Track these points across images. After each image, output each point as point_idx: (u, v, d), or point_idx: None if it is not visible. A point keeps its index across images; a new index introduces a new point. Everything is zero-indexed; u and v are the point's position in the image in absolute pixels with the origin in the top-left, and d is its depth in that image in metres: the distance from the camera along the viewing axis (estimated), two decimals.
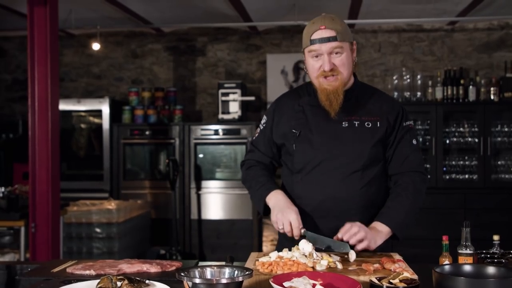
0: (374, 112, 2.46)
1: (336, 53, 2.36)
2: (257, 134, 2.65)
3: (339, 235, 2.27)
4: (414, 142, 2.50)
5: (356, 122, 2.43)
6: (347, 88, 2.47)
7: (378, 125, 2.44)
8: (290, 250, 2.16)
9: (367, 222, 2.38)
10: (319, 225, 2.41)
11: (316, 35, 2.35)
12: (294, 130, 2.46)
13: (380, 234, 2.36)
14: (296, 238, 2.31)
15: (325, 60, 2.35)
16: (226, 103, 6.86)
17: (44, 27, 4.62)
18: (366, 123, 2.43)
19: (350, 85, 2.49)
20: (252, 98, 6.93)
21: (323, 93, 2.39)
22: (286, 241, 2.46)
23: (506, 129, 6.61)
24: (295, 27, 7.06)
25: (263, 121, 2.63)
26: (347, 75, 2.42)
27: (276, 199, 2.43)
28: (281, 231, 2.37)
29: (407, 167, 2.47)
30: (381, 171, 2.48)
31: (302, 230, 2.31)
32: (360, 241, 2.28)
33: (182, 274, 1.71)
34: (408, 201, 2.43)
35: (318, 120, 2.45)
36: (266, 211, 2.49)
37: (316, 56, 2.38)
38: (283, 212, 2.35)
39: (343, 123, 2.43)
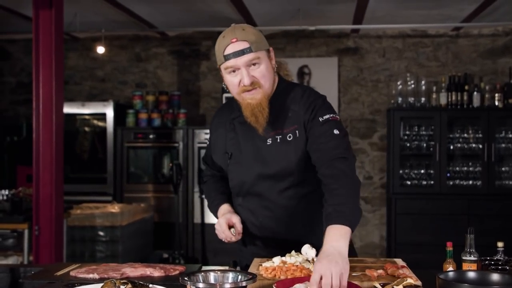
0: (292, 120, 2.28)
1: (254, 64, 2.21)
2: (206, 149, 2.63)
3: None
4: (336, 132, 2.20)
5: (278, 137, 2.28)
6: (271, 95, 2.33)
7: (297, 134, 2.26)
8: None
9: (313, 230, 2.33)
10: (269, 242, 2.38)
11: (229, 49, 2.20)
12: (227, 152, 2.39)
13: (340, 243, 1.89)
14: (233, 236, 2.33)
15: (244, 74, 2.20)
16: None
17: (49, 30, 4.63)
18: (288, 136, 2.27)
19: (273, 91, 2.33)
20: None
21: (248, 109, 2.24)
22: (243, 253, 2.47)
23: (510, 135, 6.60)
24: (299, 31, 7.07)
25: (208, 136, 2.57)
26: (269, 86, 2.27)
27: (219, 214, 2.44)
28: (227, 239, 2.36)
29: (329, 158, 2.15)
30: (316, 178, 2.21)
31: (232, 230, 2.32)
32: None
33: (185, 278, 1.71)
34: (344, 189, 2.05)
35: (247, 139, 2.33)
36: None
37: (234, 71, 2.23)
38: (218, 222, 2.38)
39: (268, 140, 2.29)
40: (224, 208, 2.44)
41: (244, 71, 2.20)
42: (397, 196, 6.62)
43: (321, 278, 1.74)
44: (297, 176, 2.29)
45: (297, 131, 2.27)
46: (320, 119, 2.23)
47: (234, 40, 2.20)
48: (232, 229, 2.33)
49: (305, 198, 2.33)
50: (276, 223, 2.34)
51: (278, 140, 2.28)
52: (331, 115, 2.25)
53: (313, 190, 2.31)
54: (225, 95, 6.84)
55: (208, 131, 6.75)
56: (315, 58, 7.34)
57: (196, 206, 6.81)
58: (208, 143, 2.58)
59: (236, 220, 2.34)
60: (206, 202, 6.89)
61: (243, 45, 2.19)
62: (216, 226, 2.38)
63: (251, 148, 2.32)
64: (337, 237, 1.90)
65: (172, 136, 6.91)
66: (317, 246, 2.07)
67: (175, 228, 6.63)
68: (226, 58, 2.22)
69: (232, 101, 2.43)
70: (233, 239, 2.34)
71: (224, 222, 2.33)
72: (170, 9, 6.20)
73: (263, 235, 2.38)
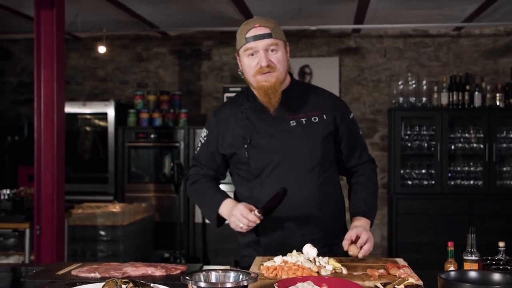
0: (318, 107, 2.48)
1: (272, 50, 2.38)
2: (198, 149, 2.63)
3: (358, 244, 2.31)
4: (360, 132, 2.62)
5: (303, 119, 2.44)
6: (285, 88, 2.47)
7: (325, 117, 2.46)
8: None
9: (326, 217, 2.45)
10: (283, 225, 2.42)
11: (251, 33, 2.37)
12: (244, 138, 2.44)
13: (369, 231, 2.43)
14: (257, 218, 2.31)
15: (262, 56, 2.36)
16: None
17: (50, 30, 4.64)
18: (313, 118, 2.45)
19: (287, 85, 2.49)
20: None
21: (261, 90, 2.40)
22: (252, 250, 2.50)
23: (511, 135, 6.60)
24: (300, 31, 7.07)
25: (203, 134, 2.59)
26: (283, 72, 2.43)
27: (226, 209, 2.45)
28: (244, 228, 2.35)
29: (363, 158, 2.59)
30: (334, 167, 2.54)
31: (256, 211, 2.32)
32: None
33: (187, 277, 1.71)
34: (375, 189, 2.57)
35: (265, 123, 2.44)
36: (220, 222, 2.52)
37: (252, 55, 2.39)
38: (232, 213, 2.36)
39: (291, 122, 2.44)
40: (230, 203, 2.45)
41: (262, 53, 2.36)
42: (398, 196, 6.62)
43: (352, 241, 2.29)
44: (320, 155, 2.43)
45: (324, 115, 2.46)
46: (349, 116, 2.54)
47: (257, 25, 2.39)
48: (253, 212, 2.32)
49: (323, 182, 2.45)
50: (294, 202, 2.39)
51: (304, 122, 2.44)
52: (352, 114, 2.60)
53: (330, 177, 2.49)
54: (226, 94, 6.85)
55: None
56: (316, 58, 7.34)
57: (197, 206, 6.80)
58: (201, 142, 2.60)
59: (252, 205, 2.35)
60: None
61: (264, 30, 2.38)
62: (235, 213, 2.34)
63: (272, 130, 2.43)
64: (366, 224, 2.45)
65: (173, 136, 6.92)
66: (323, 228, 2.45)
67: (176, 227, 6.63)
68: (247, 40, 2.38)
69: (235, 98, 2.59)
70: (257, 221, 2.33)
71: (244, 207, 2.34)
72: (171, 9, 6.20)
73: (280, 215, 2.39)
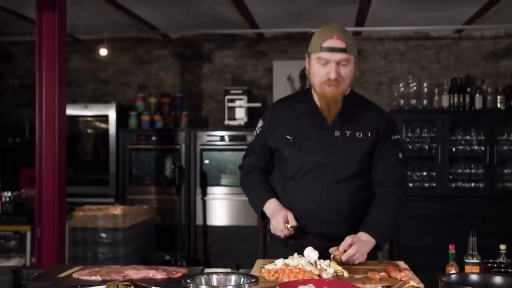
0: (365, 124, 2.52)
1: (343, 64, 2.42)
2: (253, 138, 2.71)
3: (340, 249, 2.30)
4: (400, 155, 2.58)
5: (348, 132, 2.49)
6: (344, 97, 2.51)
7: (369, 135, 2.50)
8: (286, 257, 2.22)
9: (351, 229, 2.44)
10: (307, 229, 2.47)
11: (328, 43, 2.41)
12: (288, 136, 2.52)
13: (366, 245, 2.38)
14: (289, 232, 2.41)
15: (332, 69, 2.41)
16: (232, 109, 6.87)
17: (52, 32, 4.64)
18: (357, 133, 2.49)
19: (346, 95, 2.53)
20: (258, 104, 6.94)
21: (323, 99, 2.46)
22: (277, 249, 2.55)
23: None
24: (301, 34, 7.07)
25: (259, 125, 2.68)
26: (348, 86, 2.51)
27: (270, 209, 2.54)
28: (283, 233, 2.44)
29: (391, 179, 2.53)
30: (367, 182, 2.54)
31: (289, 226, 2.40)
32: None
33: (188, 281, 1.71)
34: (392, 214, 2.50)
35: (312, 127, 2.52)
36: (264, 216, 2.61)
37: (324, 64, 2.43)
38: (272, 220, 2.48)
39: (335, 132, 2.49)
40: (274, 203, 2.54)
41: (334, 66, 2.41)
42: None
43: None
44: (355, 169, 2.46)
45: (369, 133, 2.49)
46: (393, 136, 2.56)
47: (335, 37, 2.41)
48: (287, 225, 2.40)
49: (352, 194, 2.47)
50: (322, 209, 2.44)
51: (348, 135, 2.48)
52: (399, 136, 2.61)
53: (360, 190, 2.50)
54: (227, 97, 6.86)
55: (211, 132, 6.85)
56: None
57: (198, 208, 6.82)
58: (257, 133, 2.67)
59: (290, 217, 2.43)
60: (211, 205, 6.90)
61: (341, 43, 2.41)
62: (273, 223, 2.46)
63: (316, 136, 2.49)
64: (364, 241, 2.37)
65: (175, 138, 6.92)
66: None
67: (177, 230, 6.63)
68: (323, 49, 2.42)
69: (295, 95, 2.71)
70: (286, 232, 2.42)
71: (282, 219, 2.42)
72: (173, 12, 6.21)
73: (306, 220, 2.46)
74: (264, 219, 2.61)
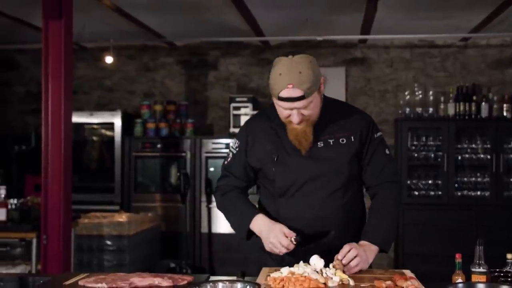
0: (346, 128, 2.48)
1: (305, 107, 2.32)
2: (229, 159, 2.60)
3: (339, 256, 2.27)
4: (387, 152, 2.54)
5: (331, 141, 2.45)
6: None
7: (352, 139, 2.46)
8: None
9: (348, 237, 2.41)
10: (305, 243, 2.41)
11: (284, 94, 2.29)
12: (272, 155, 2.44)
13: (367, 252, 2.35)
14: (293, 246, 2.33)
15: (294, 115, 2.33)
16: (237, 117, 6.88)
17: (58, 40, 4.65)
18: (340, 140, 2.45)
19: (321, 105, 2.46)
20: None
21: (292, 133, 2.39)
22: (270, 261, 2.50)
23: None
24: (307, 42, 7.08)
25: (235, 145, 2.58)
26: (316, 116, 2.40)
27: (260, 226, 2.43)
28: (282, 251, 2.35)
29: (384, 178, 2.51)
30: (359, 187, 2.53)
31: (293, 238, 2.32)
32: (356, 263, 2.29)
33: None
34: (390, 215, 2.47)
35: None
36: (249, 236, 2.51)
37: (285, 108, 2.34)
38: (269, 237, 2.36)
39: (318, 143, 2.44)
40: (262, 219, 2.44)
41: (295, 113, 2.32)
42: (405, 206, 6.59)
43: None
44: (345, 176, 2.43)
45: (352, 137, 2.45)
46: (375, 135, 2.51)
47: (290, 86, 2.27)
48: (291, 238, 2.33)
49: (347, 202, 2.46)
50: (318, 222, 2.41)
51: (331, 143, 2.43)
52: (381, 133, 2.56)
53: (353, 197, 2.49)
54: (232, 104, 6.87)
55: (217, 140, 6.85)
56: (323, 68, 7.22)
57: (203, 216, 6.82)
58: (233, 153, 2.57)
59: (287, 230, 2.35)
60: (216, 212, 6.84)
61: (298, 92, 2.28)
62: (272, 240, 2.35)
63: (300, 150, 2.41)
64: (368, 249, 2.35)
65: (180, 146, 6.93)
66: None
67: (182, 237, 6.63)
68: (280, 99, 2.31)
69: (266, 111, 2.56)
70: (291, 247, 2.34)
71: (280, 232, 2.34)
72: (178, 19, 6.23)
73: (304, 234, 2.39)
74: (249, 238, 2.51)
